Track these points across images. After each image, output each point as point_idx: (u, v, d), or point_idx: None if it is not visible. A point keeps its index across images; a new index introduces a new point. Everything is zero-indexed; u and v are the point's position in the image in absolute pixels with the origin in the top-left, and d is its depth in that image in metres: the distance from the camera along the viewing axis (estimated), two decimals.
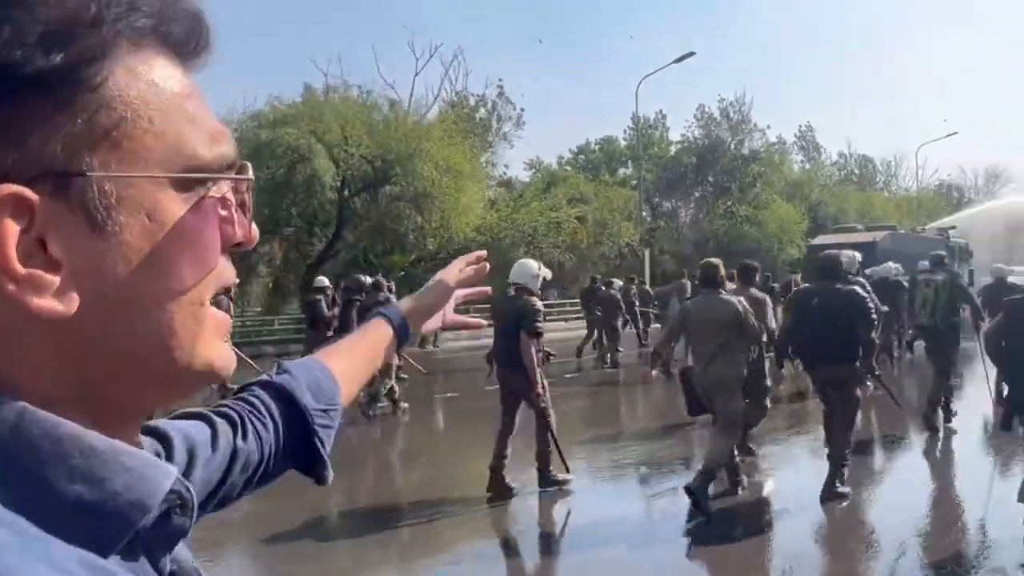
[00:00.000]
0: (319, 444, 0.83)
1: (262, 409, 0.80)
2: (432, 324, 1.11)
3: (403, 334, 1.03)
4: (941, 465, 6.99)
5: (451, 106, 31.50)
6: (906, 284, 11.46)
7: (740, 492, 5.60)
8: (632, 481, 6.59)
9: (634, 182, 33.44)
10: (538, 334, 5.42)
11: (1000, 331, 4.61)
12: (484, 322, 1.32)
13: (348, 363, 0.94)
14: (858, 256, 9.36)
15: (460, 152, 22.07)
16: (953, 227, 39.14)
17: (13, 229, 0.37)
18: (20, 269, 0.37)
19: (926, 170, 56.09)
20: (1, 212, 0.36)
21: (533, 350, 5.35)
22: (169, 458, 0.60)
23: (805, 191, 36.84)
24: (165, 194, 0.41)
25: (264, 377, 0.85)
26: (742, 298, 5.63)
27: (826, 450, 5.56)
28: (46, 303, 0.38)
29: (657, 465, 6.82)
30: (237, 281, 0.51)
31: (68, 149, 0.38)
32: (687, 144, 36.95)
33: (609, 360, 13.86)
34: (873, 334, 5.42)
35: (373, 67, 51.88)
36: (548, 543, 5.12)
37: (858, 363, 5.39)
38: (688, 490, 5.09)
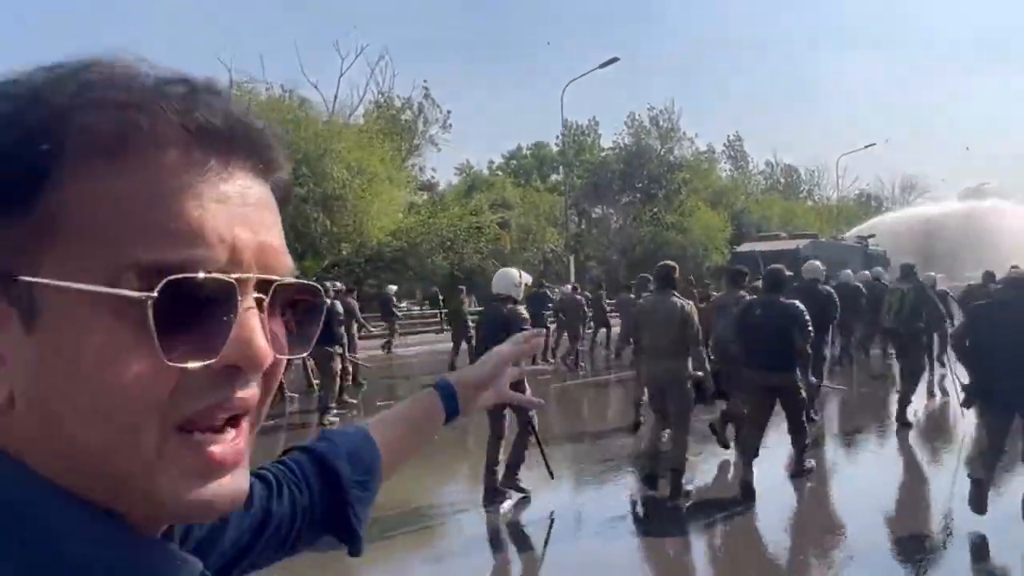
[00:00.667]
0: (352, 515, 0.82)
1: (299, 474, 0.79)
2: (488, 399, 1.04)
3: (451, 407, 0.98)
4: (910, 457, 7.47)
5: (376, 107, 30.67)
6: (865, 290, 12.24)
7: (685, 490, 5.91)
8: (617, 481, 6.48)
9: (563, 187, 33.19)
10: None
11: (965, 333, 5.37)
12: (540, 401, 1.30)
13: (393, 434, 0.92)
14: (821, 265, 9.74)
15: (375, 154, 21.21)
16: (872, 235, 40.29)
17: None
18: None
19: (846, 179, 57.91)
20: None
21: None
22: None
23: (730, 199, 37.19)
24: (104, 301, 0.40)
25: (305, 443, 0.85)
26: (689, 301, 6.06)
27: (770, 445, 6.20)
28: None
29: (630, 463, 6.85)
30: (249, 406, 0.46)
31: (14, 252, 0.40)
32: (616, 151, 36.84)
33: (571, 363, 13.76)
34: (807, 344, 5.95)
35: (299, 67, 50.11)
36: (541, 545, 5.20)
37: (796, 371, 5.92)
38: (672, 494, 5.67)
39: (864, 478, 6.75)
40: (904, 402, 8.12)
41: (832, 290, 9.05)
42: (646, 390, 6.47)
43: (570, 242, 26.83)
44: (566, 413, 10.13)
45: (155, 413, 0.41)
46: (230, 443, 0.44)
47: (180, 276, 0.40)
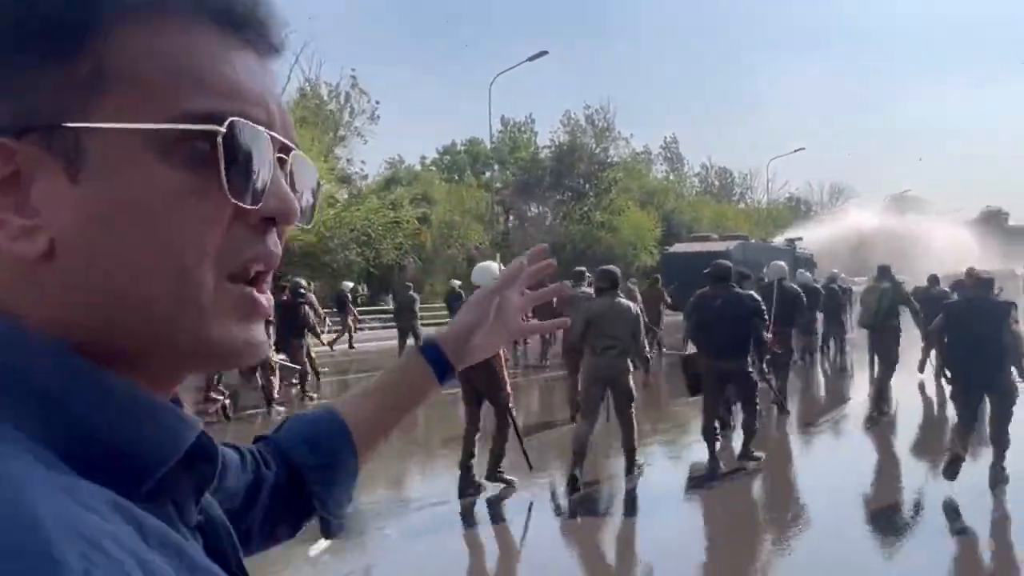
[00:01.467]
0: (316, 500, 0.78)
1: (264, 461, 0.76)
2: (490, 345, 0.92)
3: (441, 363, 0.88)
4: (886, 440, 7.96)
5: (300, 96, 29.22)
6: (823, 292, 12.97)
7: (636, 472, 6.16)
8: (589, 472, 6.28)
9: (498, 184, 32.14)
10: None
11: (942, 329, 6.07)
12: (565, 320, 1.09)
13: (370, 407, 0.86)
14: (783, 264, 9.91)
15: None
16: (799, 238, 40.77)
17: None
18: None
19: (775, 183, 58.89)
20: None
21: (501, 351, 5.28)
22: None
23: (661, 199, 36.92)
24: (147, 147, 0.40)
25: (266, 434, 0.82)
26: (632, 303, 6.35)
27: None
28: (14, 244, 0.39)
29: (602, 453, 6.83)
30: (275, 263, 0.46)
31: (58, 103, 0.39)
32: (550, 148, 36.10)
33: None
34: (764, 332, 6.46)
35: None
36: (520, 539, 5.21)
37: (750, 357, 6.33)
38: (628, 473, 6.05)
39: (837, 462, 7.13)
40: (881, 392, 8.92)
41: (800, 289, 9.48)
42: (590, 387, 6.33)
43: (496, 239, 25.91)
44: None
45: (211, 259, 0.41)
46: (264, 295, 0.46)
47: (240, 120, 0.42)
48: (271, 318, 8.47)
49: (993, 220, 71.87)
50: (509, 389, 5.55)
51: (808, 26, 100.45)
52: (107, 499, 0.35)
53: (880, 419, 8.58)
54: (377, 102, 31.44)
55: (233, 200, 0.41)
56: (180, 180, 0.40)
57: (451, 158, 45.25)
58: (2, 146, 0.38)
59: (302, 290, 10.09)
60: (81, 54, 0.39)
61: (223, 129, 0.41)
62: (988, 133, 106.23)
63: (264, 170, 0.43)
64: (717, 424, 6.70)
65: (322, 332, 12.64)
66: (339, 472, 0.80)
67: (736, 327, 6.16)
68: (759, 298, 6.43)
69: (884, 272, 9.50)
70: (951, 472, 5.60)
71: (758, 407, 6.46)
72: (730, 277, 6.46)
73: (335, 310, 16.68)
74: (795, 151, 47.32)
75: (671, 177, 55.21)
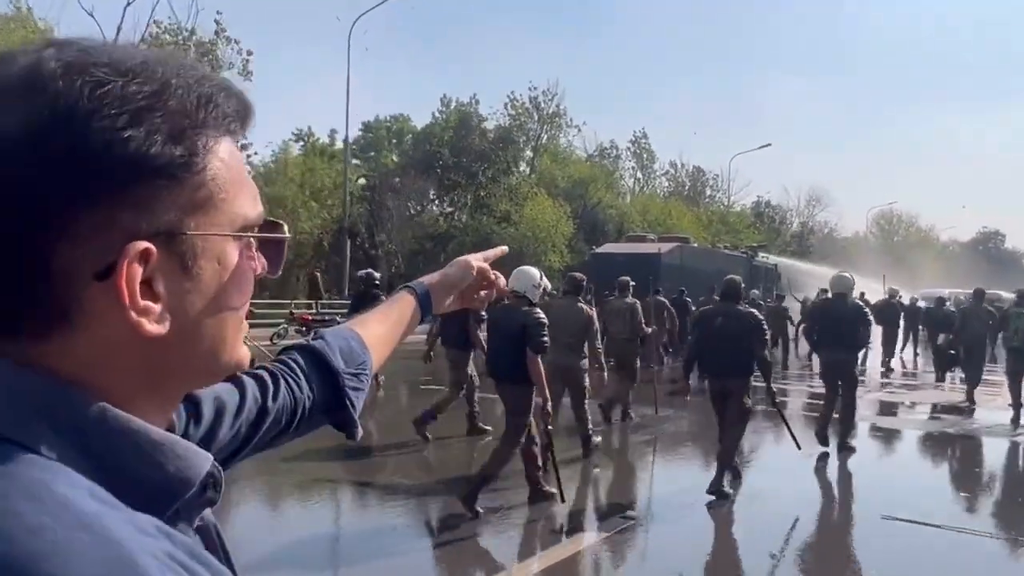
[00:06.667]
0: (348, 403, 0.95)
1: (297, 371, 0.92)
2: (453, 304, 1.18)
3: (426, 306, 1.12)
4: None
5: (151, 39, 23.68)
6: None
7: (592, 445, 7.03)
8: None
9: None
10: (545, 350, 5.31)
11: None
12: (504, 286, 1.27)
13: (378, 331, 1.05)
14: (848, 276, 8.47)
15: None
16: (763, 244, 35.38)
17: (138, 272, 0.49)
18: (140, 301, 0.49)
19: (737, 182, 53.66)
20: (134, 260, 0.48)
21: (541, 367, 5.25)
22: (198, 418, 0.75)
23: (591, 192, 31.13)
24: (229, 245, 0.55)
25: (302, 342, 0.98)
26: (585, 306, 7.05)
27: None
28: (151, 326, 0.50)
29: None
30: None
31: (177, 215, 0.51)
32: (439, 125, 30.13)
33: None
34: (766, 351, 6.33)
35: None
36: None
37: (750, 377, 6.20)
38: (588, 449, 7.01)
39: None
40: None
41: (862, 305, 8.36)
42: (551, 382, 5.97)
43: (345, 223, 20.19)
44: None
45: (246, 307, 0.59)
46: None
47: (275, 236, 0.61)
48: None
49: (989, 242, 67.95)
50: (549, 407, 5.37)
51: (800, 35, 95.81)
52: (157, 526, 0.47)
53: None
54: (249, 53, 25.91)
55: (269, 275, 0.61)
56: (246, 263, 0.57)
57: (372, 134, 39.88)
58: (147, 251, 0.49)
59: (377, 281, 10.30)
60: (191, 178, 0.51)
61: (287, 235, 0.63)
62: (983, 152, 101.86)
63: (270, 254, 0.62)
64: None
65: None
66: (364, 381, 0.98)
67: (735, 345, 5.97)
68: (760, 316, 6.30)
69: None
70: None
71: (744, 427, 6.17)
72: (739, 294, 6.27)
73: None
74: (760, 147, 41.88)
75: (639, 175, 50.32)
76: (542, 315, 5.29)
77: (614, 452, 7.85)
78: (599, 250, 24.06)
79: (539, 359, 5.19)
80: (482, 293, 1.20)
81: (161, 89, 0.51)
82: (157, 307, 0.50)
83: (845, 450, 7.51)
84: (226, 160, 0.54)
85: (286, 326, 16.22)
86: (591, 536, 5.07)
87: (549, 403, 5.32)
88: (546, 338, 5.25)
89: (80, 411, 0.49)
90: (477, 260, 1.18)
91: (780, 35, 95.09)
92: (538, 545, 4.94)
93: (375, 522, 5.41)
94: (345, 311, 21.61)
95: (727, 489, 5.88)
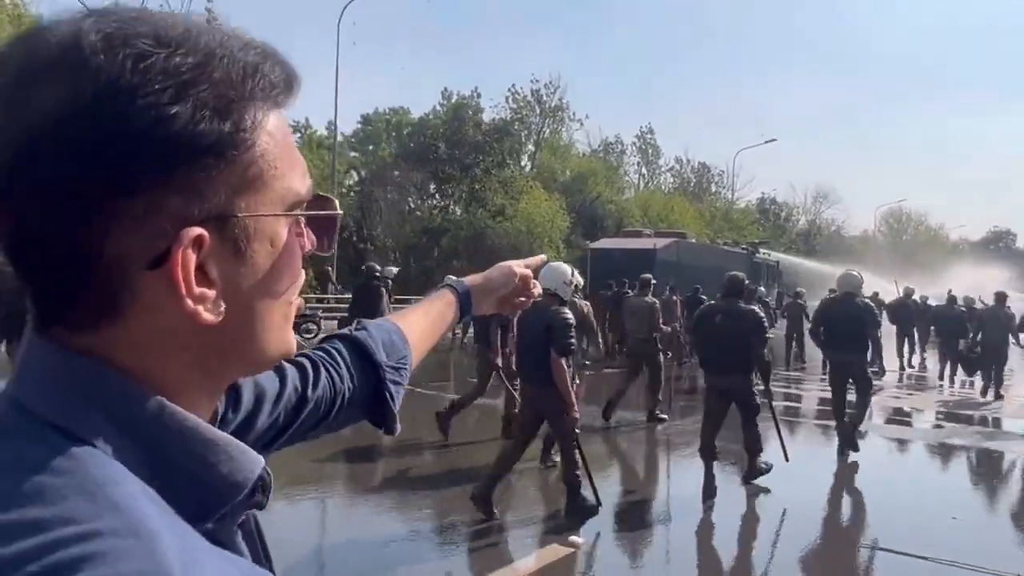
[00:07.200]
0: (388, 397, 0.92)
1: (339, 360, 0.89)
2: (490, 307, 1.15)
3: (466, 306, 1.09)
4: None
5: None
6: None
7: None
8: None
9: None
10: (570, 353, 5.11)
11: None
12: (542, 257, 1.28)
13: (419, 326, 1.02)
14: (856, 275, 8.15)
15: None
16: (765, 241, 34.68)
17: (192, 259, 0.46)
18: (196, 288, 0.47)
19: (742, 178, 52.66)
20: (188, 247, 0.46)
21: (566, 369, 5.03)
22: (237, 404, 0.71)
23: (591, 186, 30.46)
24: (280, 224, 0.52)
25: (345, 331, 0.95)
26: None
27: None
28: (208, 314, 0.48)
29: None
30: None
31: (228, 197, 0.48)
32: (435, 117, 29.60)
33: None
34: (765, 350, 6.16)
35: None
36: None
37: (751, 374, 6.09)
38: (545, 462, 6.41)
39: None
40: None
41: (869, 303, 7.86)
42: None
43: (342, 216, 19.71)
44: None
45: (298, 288, 0.56)
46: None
47: (328, 213, 0.58)
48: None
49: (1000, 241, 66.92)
50: (576, 413, 5.08)
51: (810, 34, 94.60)
52: (203, 544, 0.46)
53: None
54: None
55: (314, 250, 0.57)
56: (296, 240, 0.53)
57: (371, 127, 39.40)
58: (200, 237, 0.46)
59: (378, 274, 10.05)
60: (240, 156, 0.48)
61: (340, 212, 0.60)
62: (994, 153, 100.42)
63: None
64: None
65: None
66: (404, 376, 0.95)
67: (736, 343, 5.88)
68: (762, 314, 6.15)
69: None
70: None
71: (758, 427, 6.02)
72: (741, 291, 6.18)
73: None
74: (766, 142, 41.03)
75: (644, 171, 49.65)
76: (569, 315, 5.09)
77: (612, 450, 7.49)
78: (594, 245, 23.78)
79: (564, 361, 4.98)
80: (520, 299, 1.16)
81: (205, 60, 0.47)
82: (212, 293, 0.48)
83: (848, 450, 7.23)
84: (275, 134, 0.51)
85: None
86: (584, 539, 4.89)
87: (575, 408, 5.06)
88: (572, 339, 5.09)
89: (137, 404, 0.47)
90: (520, 267, 1.14)
91: (790, 31, 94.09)
92: (536, 545, 4.79)
93: (374, 524, 5.27)
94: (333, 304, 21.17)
95: (763, 465, 5.97)
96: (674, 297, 13.38)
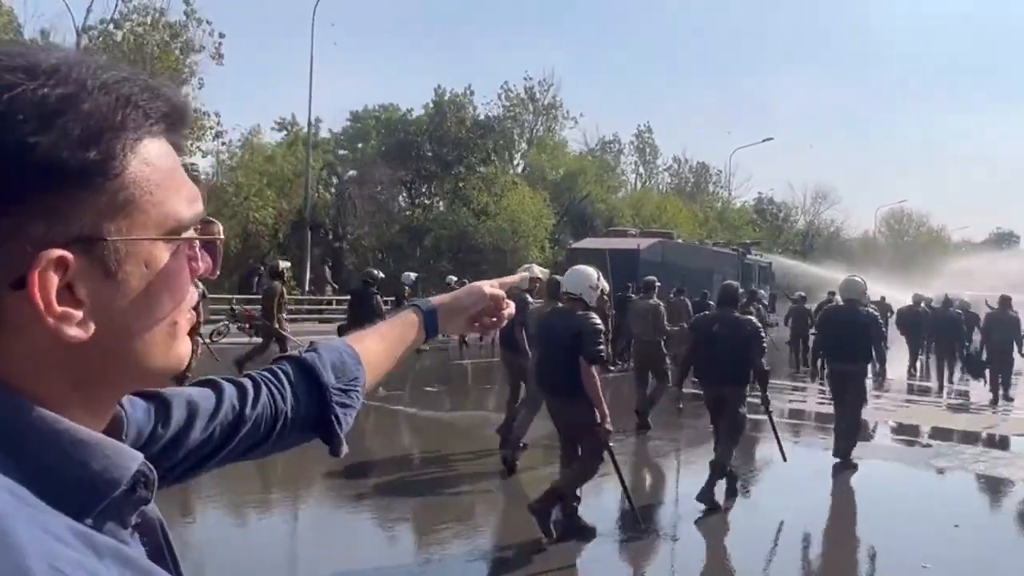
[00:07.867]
0: (334, 419, 0.92)
1: (283, 380, 0.90)
2: (458, 328, 1.14)
3: (431, 326, 1.08)
4: None
5: (120, 17, 23.00)
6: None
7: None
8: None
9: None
10: (601, 360, 4.93)
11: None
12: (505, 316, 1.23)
13: (376, 348, 1.02)
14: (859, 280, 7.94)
15: None
16: (757, 242, 34.04)
17: (55, 280, 0.48)
18: (57, 308, 0.49)
19: (738, 177, 52.07)
20: (48, 268, 0.48)
21: (596, 377, 4.83)
22: (167, 420, 0.74)
23: (580, 184, 29.88)
24: (157, 248, 0.54)
25: (294, 353, 0.95)
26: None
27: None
28: (72, 331, 0.50)
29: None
30: (199, 298, 0.65)
31: (94, 221, 0.50)
32: (425, 114, 29.01)
33: None
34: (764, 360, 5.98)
35: None
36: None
37: (747, 385, 5.95)
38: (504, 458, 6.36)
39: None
40: None
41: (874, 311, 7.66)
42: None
43: (307, 215, 19.30)
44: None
45: (185, 311, 0.58)
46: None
47: (209, 233, 0.60)
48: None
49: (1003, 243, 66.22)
50: (609, 425, 4.86)
51: (810, 29, 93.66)
52: (71, 528, 0.47)
53: None
54: (222, 35, 24.90)
55: (206, 273, 0.59)
56: (178, 267, 0.55)
57: (361, 124, 38.85)
58: (62, 259, 0.48)
59: (372, 279, 10.19)
60: (108, 182, 0.50)
61: (218, 237, 0.63)
62: (996, 154, 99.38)
63: (208, 254, 0.61)
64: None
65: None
66: (355, 398, 0.95)
67: (731, 353, 5.76)
68: (759, 323, 6.08)
69: None
70: None
71: (739, 436, 5.94)
72: (736, 299, 6.22)
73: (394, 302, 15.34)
74: (763, 141, 40.48)
75: (641, 170, 49.04)
76: (598, 321, 4.94)
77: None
78: (576, 245, 23.31)
79: (594, 370, 4.80)
80: (491, 319, 1.14)
81: (76, 92, 0.50)
82: (78, 313, 0.50)
83: (847, 468, 6.91)
84: (153, 161, 0.53)
85: (227, 323, 15.17)
86: (588, 545, 4.91)
87: (608, 419, 4.85)
88: (602, 346, 4.93)
89: (4, 410, 0.49)
90: (491, 287, 1.14)
91: (789, 29, 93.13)
92: (540, 552, 4.74)
93: (373, 524, 5.32)
94: (305, 305, 20.62)
95: (717, 499, 5.66)
96: (683, 299, 13.29)
